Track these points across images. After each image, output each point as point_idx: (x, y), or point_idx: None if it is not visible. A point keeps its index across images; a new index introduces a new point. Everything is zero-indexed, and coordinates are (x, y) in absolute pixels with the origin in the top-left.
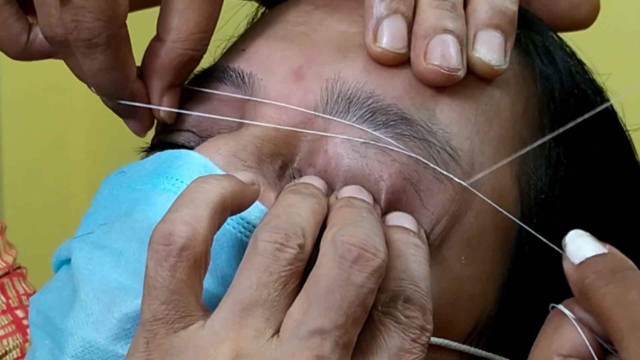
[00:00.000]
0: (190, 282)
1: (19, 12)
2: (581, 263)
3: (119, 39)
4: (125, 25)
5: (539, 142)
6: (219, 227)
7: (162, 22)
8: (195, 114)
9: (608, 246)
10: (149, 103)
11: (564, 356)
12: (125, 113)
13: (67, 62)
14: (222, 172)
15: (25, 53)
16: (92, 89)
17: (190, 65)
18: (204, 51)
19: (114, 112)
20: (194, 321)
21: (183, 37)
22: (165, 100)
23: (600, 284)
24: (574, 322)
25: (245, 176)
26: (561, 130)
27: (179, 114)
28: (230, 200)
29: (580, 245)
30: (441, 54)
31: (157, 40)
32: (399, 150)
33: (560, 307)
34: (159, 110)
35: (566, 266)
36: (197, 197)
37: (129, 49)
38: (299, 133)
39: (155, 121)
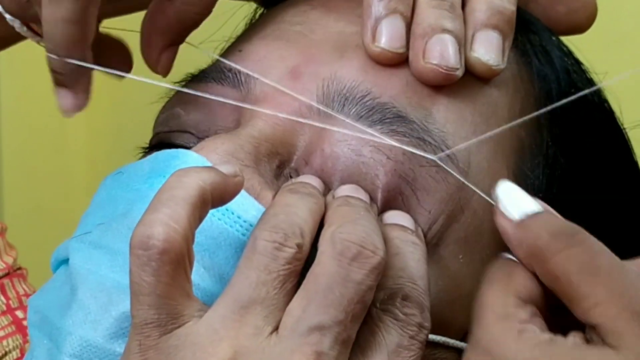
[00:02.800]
0: (177, 283)
1: None
2: (523, 221)
3: None
4: None
5: (511, 124)
6: (200, 221)
7: None
8: (186, 91)
9: (541, 202)
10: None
11: (524, 301)
12: (65, 80)
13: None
14: None
15: (21, 10)
16: (45, 46)
17: (193, 27)
18: (209, 14)
19: (53, 78)
20: (189, 318)
21: (194, 0)
22: (164, 57)
23: (559, 246)
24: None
25: (227, 168)
26: (542, 110)
27: (176, 115)
28: (210, 192)
29: (516, 200)
30: (440, 53)
31: None
32: (393, 144)
33: (507, 255)
34: (158, 65)
35: (501, 222)
36: (175, 194)
37: (95, 12)
38: (296, 132)
39: (153, 122)
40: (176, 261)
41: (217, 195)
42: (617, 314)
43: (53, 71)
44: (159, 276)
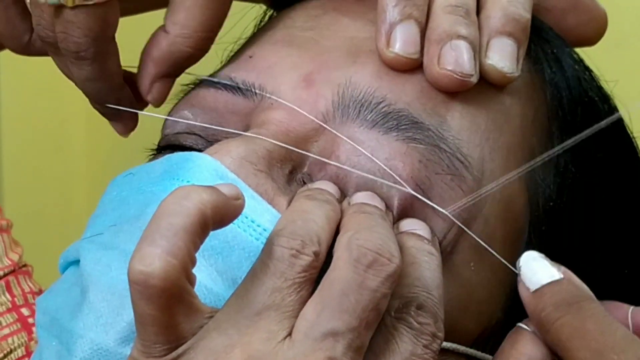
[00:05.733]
0: (181, 309)
1: (25, 12)
2: (537, 291)
3: (105, 54)
4: (113, 40)
5: (547, 154)
6: (200, 245)
7: (169, 15)
8: (188, 122)
9: (564, 270)
10: (137, 101)
11: None
12: (110, 115)
13: (58, 62)
14: (233, 175)
15: (26, 50)
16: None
17: (189, 62)
18: (206, 51)
19: (100, 113)
20: (197, 329)
21: (187, 34)
22: (155, 87)
23: (557, 315)
24: (531, 333)
25: (229, 189)
26: (571, 140)
27: (184, 118)
28: (211, 215)
29: (535, 270)
30: (455, 59)
31: (163, 30)
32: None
33: (520, 324)
34: (148, 94)
35: (522, 291)
36: (174, 222)
37: (116, 62)
38: (309, 138)
39: (153, 122)
40: (178, 294)
41: (217, 219)
42: None
43: (98, 111)
44: (162, 310)
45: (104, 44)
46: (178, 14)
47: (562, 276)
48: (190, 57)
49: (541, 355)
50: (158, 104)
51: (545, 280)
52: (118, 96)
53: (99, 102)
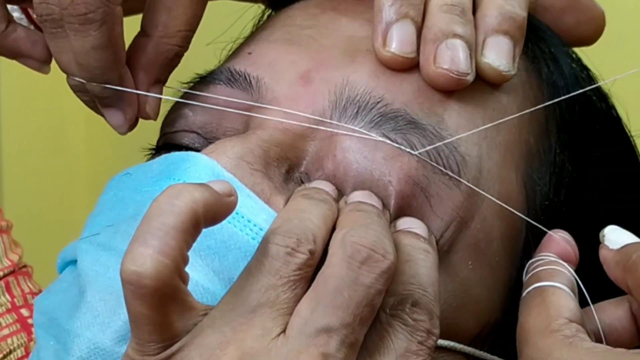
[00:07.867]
0: (174, 308)
1: (3, 1)
2: (623, 247)
3: (113, 17)
4: (120, 5)
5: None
6: (192, 243)
7: (149, 18)
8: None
9: None
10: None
11: (569, 319)
12: (108, 102)
13: (55, 46)
14: (230, 175)
15: None
16: (72, 79)
17: (175, 61)
18: (187, 48)
19: (95, 103)
20: (192, 327)
21: (170, 33)
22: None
23: None
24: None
25: (222, 186)
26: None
27: (184, 116)
28: (203, 214)
29: (620, 235)
30: (450, 58)
31: (143, 35)
32: (407, 151)
33: (544, 283)
34: (146, 103)
35: (605, 253)
36: (165, 222)
37: (122, 31)
38: (306, 137)
39: (161, 123)
40: (171, 293)
41: (210, 217)
42: None
43: (92, 100)
44: (155, 309)
45: (113, 4)
46: (159, 15)
47: None
48: (176, 56)
49: (581, 314)
50: (155, 115)
51: (628, 240)
52: (121, 73)
53: (101, 80)
